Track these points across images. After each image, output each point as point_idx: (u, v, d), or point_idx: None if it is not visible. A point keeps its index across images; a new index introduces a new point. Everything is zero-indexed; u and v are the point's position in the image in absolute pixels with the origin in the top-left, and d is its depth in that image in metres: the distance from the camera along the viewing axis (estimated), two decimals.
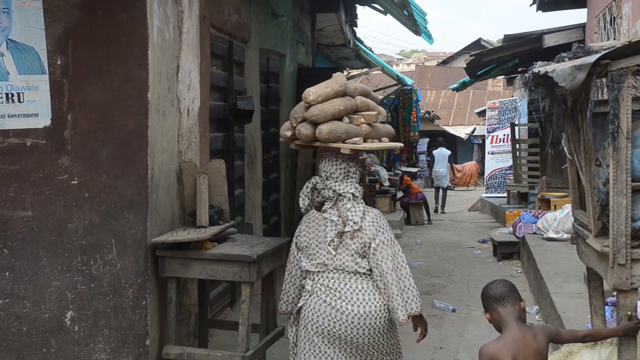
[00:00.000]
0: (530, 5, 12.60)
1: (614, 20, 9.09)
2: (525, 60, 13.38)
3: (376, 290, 4.20)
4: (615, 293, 3.72)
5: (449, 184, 20.83)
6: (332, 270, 4.22)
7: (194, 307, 5.18)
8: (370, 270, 4.21)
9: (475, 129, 30.38)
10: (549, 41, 11.84)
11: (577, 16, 19.62)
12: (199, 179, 4.87)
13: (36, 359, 4.40)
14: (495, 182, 19.73)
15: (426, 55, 54.11)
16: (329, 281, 4.20)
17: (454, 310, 8.34)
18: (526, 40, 12.54)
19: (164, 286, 4.62)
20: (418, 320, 4.29)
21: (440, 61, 42.91)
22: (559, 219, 10.40)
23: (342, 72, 15.98)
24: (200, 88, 5.38)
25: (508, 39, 13.56)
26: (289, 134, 4.38)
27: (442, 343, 7.10)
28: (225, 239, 4.89)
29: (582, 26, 11.76)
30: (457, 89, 19.32)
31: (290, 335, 4.39)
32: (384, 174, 16.32)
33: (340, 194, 4.28)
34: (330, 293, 4.18)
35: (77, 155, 4.39)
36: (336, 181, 4.31)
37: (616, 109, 3.54)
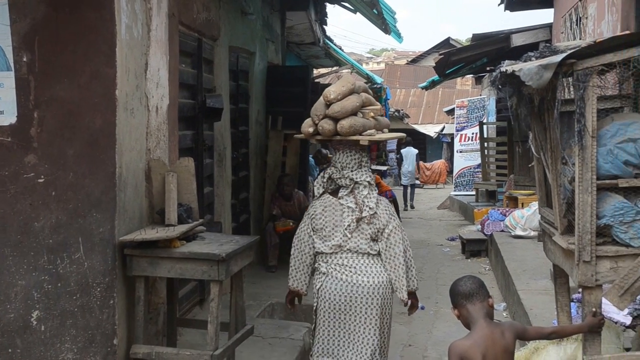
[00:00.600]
0: (499, 4, 12.71)
1: (580, 21, 9.20)
2: (494, 60, 13.50)
3: (383, 268, 4.80)
4: (580, 290, 3.77)
5: (416, 182, 21.30)
6: (345, 251, 4.79)
7: (163, 306, 5.15)
8: (379, 252, 4.80)
9: (444, 128, 30.57)
10: (517, 40, 11.96)
11: (544, 16, 19.80)
12: (168, 177, 4.84)
13: (1, 359, 4.34)
14: (464, 180, 19.89)
15: (396, 54, 54.33)
16: (343, 260, 4.78)
17: (422, 308, 8.38)
18: (494, 40, 12.65)
19: (132, 285, 4.59)
20: (413, 296, 5.02)
21: (409, 60, 43.09)
22: (526, 216, 10.52)
23: (312, 70, 16.00)
24: (169, 86, 5.34)
25: (476, 38, 13.67)
26: (311, 130, 4.94)
27: (410, 340, 7.14)
28: (194, 237, 4.86)
29: (549, 26, 11.89)
30: (426, 88, 19.44)
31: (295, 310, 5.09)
32: None
33: (356, 182, 4.83)
34: (345, 270, 4.75)
35: (44, 153, 4.34)
36: (352, 171, 4.85)
37: (582, 108, 3.59)
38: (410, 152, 20.55)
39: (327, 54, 14.56)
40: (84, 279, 4.36)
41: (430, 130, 31.77)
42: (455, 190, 20.17)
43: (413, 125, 31.31)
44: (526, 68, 3.66)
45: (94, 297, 4.36)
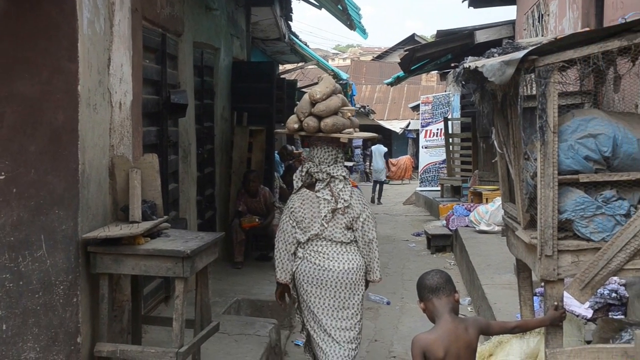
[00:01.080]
0: (462, 1, 12.80)
1: (542, 18, 9.30)
2: (458, 56, 13.55)
3: (356, 253, 5.20)
4: (543, 284, 3.82)
5: (386, 178, 21.83)
6: (321, 239, 5.18)
7: (127, 304, 5.11)
8: (354, 239, 5.20)
9: (409, 123, 30.74)
10: (480, 37, 12.06)
11: (507, 13, 19.94)
12: (132, 174, 4.80)
13: None
14: (430, 176, 20.02)
15: (361, 50, 54.40)
16: (318, 247, 5.17)
17: (388, 303, 8.44)
18: (458, 36, 12.73)
19: (96, 283, 4.54)
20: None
21: (375, 56, 43.19)
22: (490, 211, 10.62)
23: (277, 66, 15.97)
24: (132, 81, 5.30)
25: (441, 34, 13.74)
26: (296, 126, 5.30)
27: (377, 335, 7.18)
28: (158, 234, 4.83)
29: (512, 23, 12.00)
30: (391, 84, 19.51)
31: (293, 295, 5.33)
32: None
33: (333, 176, 5.22)
34: (319, 256, 5.16)
35: (4, 149, 4.27)
36: (329, 165, 5.24)
37: (544, 103, 3.63)
38: (379, 150, 21.23)
39: (292, 49, 14.55)
40: (47, 277, 4.30)
41: (396, 126, 31.92)
42: (420, 186, 20.29)
43: (379, 121, 31.41)
44: (489, 64, 3.69)
45: (57, 295, 4.31)
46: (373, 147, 21.48)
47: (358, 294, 5.19)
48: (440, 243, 11.80)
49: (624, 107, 4.63)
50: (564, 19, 7.95)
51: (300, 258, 5.22)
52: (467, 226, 11.14)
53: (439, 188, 17.52)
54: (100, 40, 4.65)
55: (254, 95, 9.79)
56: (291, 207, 5.28)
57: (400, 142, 32.70)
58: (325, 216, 5.15)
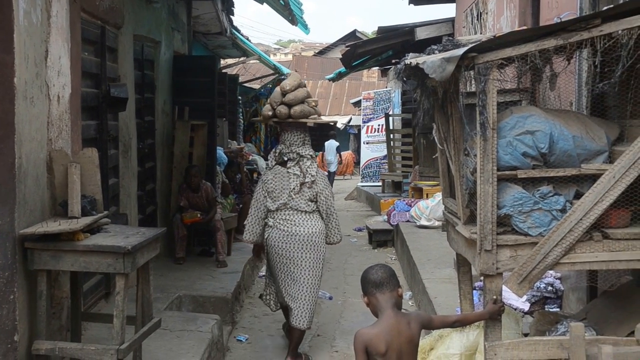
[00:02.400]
0: None
1: (481, 16, 9.46)
2: (399, 52, 13.72)
3: (319, 220, 6.35)
4: (482, 278, 3.89)
5: (335, 170, 23.29)
6: (289, 209, 6.27)
7: (66, 300, 5.02)
8: (316, 209, 6.33)
9: (351, 119, 30.88)
10: (421, 34, 12.19)
11: (447, 11, 20.20)
12: (71, 168, 4.72)
13: None
14: (371, 171, 20.14)
15: (303, 46, 54.44)
16: (286, 215, 6.27)
17: (330, 298, 8.48)
18: (399, 33, 12.85)
19: (34, 279, 4.45)
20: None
21: (317, 51, 43.27)
22: (430, 207, 10.76)
23: (219, 60, 15.87)
24: (71, 74, 5.20)
25: (382, 30, 13.85)
26: (270, 113, 6.48)
27: (319, 330, 7.21)
28: (98, 229, 4.76)
29: (452, 20, 12.17)
30: (333, 79, 19.59)
31: (264, 260, 6.66)
32: (262, 163, 16.32)
33: (302, 155, 6.36)
34: (287, 223, 6.26)
35: None
36: (298, 147, 6.38)
37: (483, 100, 3.70)
38: (332, 145, 22.58)
39: (234, 44, 14.45)
40: None
41: (338, 121, 32.00)
42: (362, 181, 20.41)
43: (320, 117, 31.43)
44: (430, 61, 3.74)
45: None
46: (326, 143, 22.73)
47: (320, 252, 6.36)
48: (381, 238, 11.89)
49: (560, 104, 4.75)
50: (502, 17, 8.10)
51: (270, 227, 6.31)
52: (408, 221, 11.26)
53: (380, 183, 17.64)
54: (37, 32, 4.55)
55: (195, 90, 9.70)
56: (264, 180, 6.43)
57: (342, 138, 32.75)
58: (294, 188, 6.27)
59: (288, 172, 6.33)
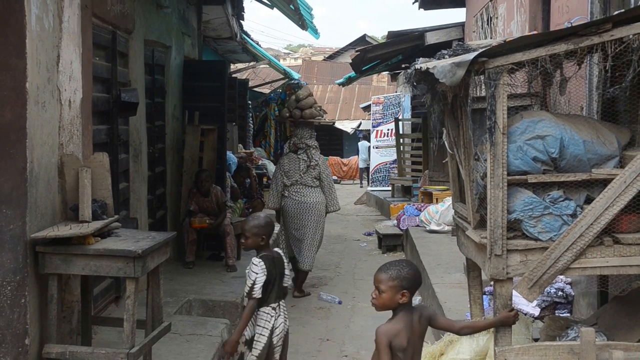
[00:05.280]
0: (413, 3, 12.91)
1: (491, 20, 9.44)
2: (409, 57, 13.69)
3: (321, 193, 8.75)
4: (492, 283, 3.88)
5: (367, 166, 23.89)
6: (299, 184, 8.69)
7: (77, 304, 5.04)
8: (319, 185, 8.73)
9: (360, 124, 30.82)
10: (431, 39, 12.17)
11: (457, 15, 20.15)
12: (82, 173, 4.74)
13: None
14: (380, 176, 20.10)
15: (313, 50, 54.48)
16: (297, 189, 8.71)
17: (340, 303, 8.47)
18: (409, 37, 12.83)
19: (45, 283, 4.47)
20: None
21: (326, 56, 43.26)
22: (440, 211, 10.73)
23: (229, 65, 15.90)
24: (82, 79, 5.22)
25: (392, 35, 13.84)
26: (287, 115, 9.36)
27: (328, 334, 7.20)
28: (109, 234, 4.78)
29: (462, 25, 12.16)
30: (343, 84, 19.59)
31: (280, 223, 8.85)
32: (271, 167, 16.35)
33: (309, 145, 8.83)
34: (298, 195, 8.69)
35: None
36: (307, 139, 8.88)
37: (493, 105, 3.69)
38: (364, 145, 25.17)
39: (244, 49, 14.50)
40: None
41: (347, 126, 31.99)
42: (371, 186, 20.39)
43: (330, 121, 31.43)
44: (440, 66, 3.74)
45: (4, 296, 4.23)
46: (359, 143, 26.25)
47: (321, 216, 8.76)
48: (391, 242, 11.88)
49: (570, 109, 4.74)
50: (512, 22, 8.09)
51: (285, 197, 8.74)
52: (417, 226, 11.23)
53: (389, 188, 17.62)
54: (49, 37, 4.58)
55: (205, 94, 9.73)
56: (281, 163, 8.92)
57: (351, 142, 32.79)
58: (302, 169, 8.68)
59: (298, 157, 8.74)
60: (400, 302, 3.48)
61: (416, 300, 8.01)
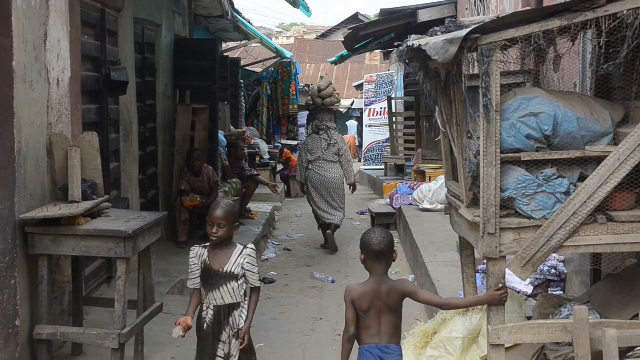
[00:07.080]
0: None
1: None
2: (401, 35, 13.59)
3: (339, 168, 10.24)
4: (485, 261, 3.87)
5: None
6: (322, 160, 10.15)
7: (68, 285, 5.02)
8: (338, 161, 10.22)
9: (353, 102, 30.77)
10: (423, 16, 12.09)
11: None
12: (71, 153, 4.69)
13: None
14: (373, 155, 20.07)
15: (305, 29, 54.22)
16: (320, 164, 10.16)
17: (333, 282, 8.47)
18: (402, 15, 12.75)
19: (35, 264, 4.45)
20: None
21: (319, 35, 43.07)
22: (433, 190, 10.72)
23: (220, 44, 15.78)
24: (70, 58, 5.16)
25: (384, 13, 13.75)
26: (311, 102, 10.83)
27: (321, 314, 7.20)
28: (99, 214, 4.75)
29: (455, 2, 12.07)
30: (335, 63, 19.47)
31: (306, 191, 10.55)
32: (264, 147, 16.30)
33: (329, 127, 10.37)
34: (320, 169, 10.14)
35: None
36: (327, 122, 10.45)
37: (487, 82, 3.65)
38: (352, 124, 26.65)
39: (235, 27, 14.37)
40: None
41: (340, 105, 31.92)
42: (364, 165, 20.37)
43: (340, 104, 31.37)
44: (432, 43, 3.70)
45: None
46: (347, 122, 27.55)
47: (342, 189, 10.25)
48: (384, 221, 11.86)
49: (564, 86, 4.71)
50: None
51: (309, 170, 10.20)
52: (410, 204, 11.22)
53: (382, 167, 17.59)
54: (36, 15, 4.51)
55: (196, 73, 9.67)
56: (305, 142, 10.59)
57: (344, 121, 32.73)
58: (323, 147, 10.18)
59: (320, 137, 10.26)
60: (361, 262, 3.81)
61: (410, 278, 8.01)
